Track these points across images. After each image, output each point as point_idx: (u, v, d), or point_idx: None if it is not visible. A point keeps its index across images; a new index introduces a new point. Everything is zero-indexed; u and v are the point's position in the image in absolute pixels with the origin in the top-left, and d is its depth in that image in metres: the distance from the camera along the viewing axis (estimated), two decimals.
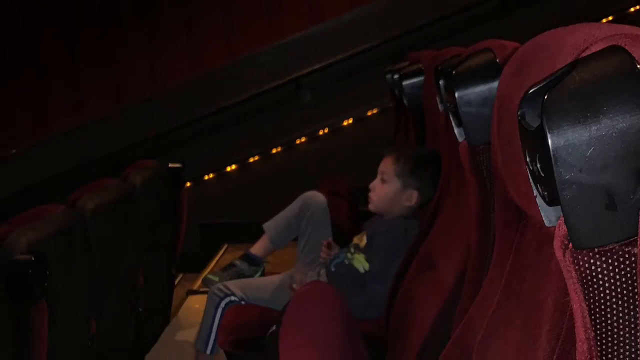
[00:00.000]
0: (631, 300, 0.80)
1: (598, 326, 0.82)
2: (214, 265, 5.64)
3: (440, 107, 2.15)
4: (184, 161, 4.25)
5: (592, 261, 0.81)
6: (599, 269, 0.81)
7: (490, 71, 1.45)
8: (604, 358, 0.82)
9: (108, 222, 3.08)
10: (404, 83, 3.41)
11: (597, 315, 0.82)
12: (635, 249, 0.79)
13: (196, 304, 4.67)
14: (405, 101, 3.53)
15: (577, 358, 0.86)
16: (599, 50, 0.83)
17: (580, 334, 0.85)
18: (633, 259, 0.80)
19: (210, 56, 7.69)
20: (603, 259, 0.81)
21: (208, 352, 3.41)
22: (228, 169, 7.36)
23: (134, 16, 7.85)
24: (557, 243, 0.85)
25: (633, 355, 0.81)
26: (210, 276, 3.86)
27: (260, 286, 3.55)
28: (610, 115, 0.78)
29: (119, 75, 7.92)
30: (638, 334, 0.81)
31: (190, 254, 5.50)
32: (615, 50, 0.81)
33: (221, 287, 3.42)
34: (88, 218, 2.89)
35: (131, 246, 3.44)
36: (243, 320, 2.95)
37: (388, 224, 3.10)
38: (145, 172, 3.72)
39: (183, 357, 3.74)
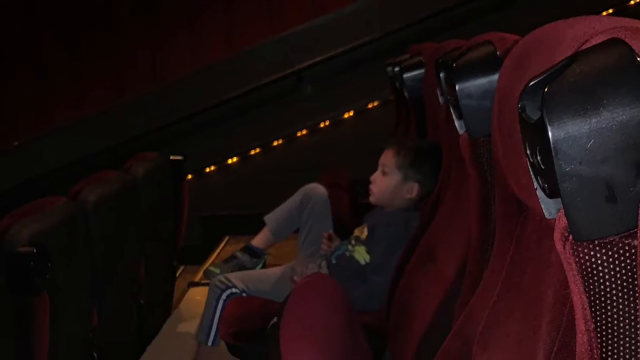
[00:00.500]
0: (631, 292, 0.80)
1: (598, 318, 0.82)
2: (215, 257, 5.64)
3: (440, 99, 2.15)
4: (185, 153, 4.26)
5: (592, 253, 0.82)
6: (599, 261, 0.81)
7: (490, 64, 1.45)
8: (604, 350, 0.82)
9: (110, 214, 3.08)
10: (405, 76, 3.41)
11: (597, 307, 0.82)
12: (635, 241, 0.79)
13: (197, 295, 4.67)
14: (406, 94, 3.53)
15: (577, 350, 0.86)
16: (599, 43, 0.83)
17: (580, 325, 0.85)
18: (633, 251, 0.80)
19: (211, 49, 7.68)
20: (603, 251, 0.81)
21: (209, 343, 3.41)
22: (229, 161, 7.36)
23: (136, 10, 7.84)
24: (557, 235, 0.85)
25: (633, 347, 0.81)
26: (211, 268, 3.86)
27: (262, 278, 3.55)
28: (611, 107, 0.78)
29: (121, 68, 7.92)
30: (638, 326, 0.81)
31: (191, 246, 5.50)
32: (615, 42, 0.81)
33: (222, 279, 3.43)
34: (90, 210, 2.90)
35: (133, 238, 3.45)
36: (244, 312, 2.95)
37: (389, 216, 3.10)
38: (146, 164, 3.73)
39: (184, 348, 3.74)
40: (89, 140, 7.38)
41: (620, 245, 0.80)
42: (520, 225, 1.22)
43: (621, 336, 0.82)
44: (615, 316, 0.81)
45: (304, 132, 7.26)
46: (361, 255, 3.11)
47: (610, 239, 0.80)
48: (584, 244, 0.82)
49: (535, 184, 0.92)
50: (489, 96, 1.44)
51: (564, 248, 0.84)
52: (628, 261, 0.80)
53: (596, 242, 0.81)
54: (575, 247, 0.82)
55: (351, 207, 4.34)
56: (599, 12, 6.34)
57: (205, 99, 7.26)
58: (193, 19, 7.75)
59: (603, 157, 0.78)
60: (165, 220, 4.09)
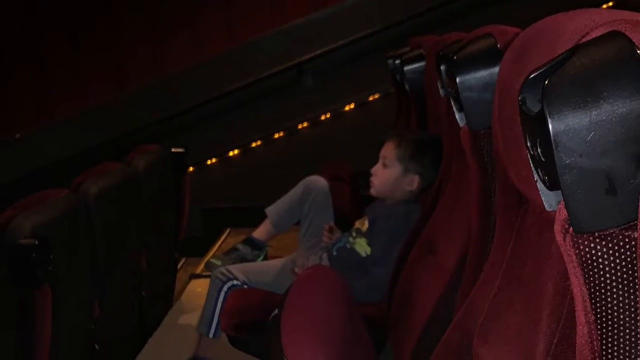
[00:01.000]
0: (631, 284, 0.81)
1: (598, 310, 0.83)
2: (217, 250, 5.65)
3: (441, 92, 2.15)
4: (187, 146, 4.26)
5: (592, 245, 0.82)
6: (599, 253, 0.82)
7: (491, 56, 1.46)
8: (604, 341, 0.83)
9: (111, 206, 3.08)
10: (406, 68, 3.42)
11: (598, 299, 0.82)
12: (635, 233, 0.80)
13: (199, 287, 4.67)
14: (406, 86, 3.53)
15: (577, 341, 0.86)
16: (599, 36, 0.83)
17: (580, 317, 0.85)
18: (633, 243, 0.80)
19: (212, 42, 7.67)
20: (603, 243, 0.81)
21: (211, 335, 3.42)
22: (230, 153, 7.36)
23: (137, 2, 7.83)
24: (557, 227, 0.85)
25: (633, 339, 0.81)
26: (213, 260, 3.86)
27: (263, 270, 3.56)
28: (611, 100, 0.78)
29: (122, 61, 7.91)
30: (638, 318, 0.81)
31: (192, 238, 5.50)
32: (615, 35, 0.81)
33: (224, 271, 3.43)
34: (91, 202, 2.90)
35: (134, 230, 3.45)
36: (245, 304, 2.96)
37: (389, 209, 3.10)
38: (148, 156, 3.73)
39: (186, 340, 3.74)
40: (90, 132, 7.38)
41: (621, 237, 0.81)
42: (521, 217, 1.22)
43: (621, 328, 0.82)
44: (615, 308, 0.82)
45: (305, 124, 7.26)
46: (362, 247, 3.11)
47: (611, 231, 0.81)
48: (584, 236, 0.82)
49: (536, 176, 0.92)
50: (489, 89, 1.44)
51: (564, 240, 0.84)
52: (628, 253, 0.81)
53: (596, 234, 0.81)
54: (575, 239, 0.82)
55: (352, 200, 4.34)
56: (599, 5, 6.35)
57: (207, 91, 7.27)
58: (194, 12, 7.74)
59: (603, 150, 0.79)
60: (167, 212, 4.09)
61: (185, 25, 7.76)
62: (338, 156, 5.53)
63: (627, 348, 0.82)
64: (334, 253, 3.25)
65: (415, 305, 2.31)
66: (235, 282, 3.38)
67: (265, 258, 3.96)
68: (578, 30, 0.87)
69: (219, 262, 3.78)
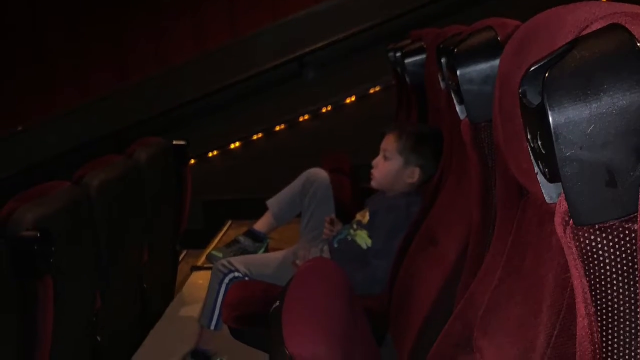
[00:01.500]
0: (631, 276, 0.81)
1: (598, 302, 0.83)
2: (218, 242, 5.65)
3: (442, 85, 2.15)
4: (188, 138, 4.26)
5: (592, 237, 0.82)
6: (600, 245, 0.82)
7: (491, 49, 1.46)
8: (604, 333, 0.83)
9: (113, 199, 3.09)
10: (406, 61, 3.42)
11: (598, 291, 0.83)
12: (636, 225, 0.80)
13: (200, 279, 4.68)
14: (407, 79, 3.53)
15: (577, 333, 0.87)
16: (599, 29, 0.83)
17: (580, 309, 0.85)
18: (633, 235, 0.80)
19: (214, 34, 7.67)
20: (603, 235, 0.81)
21: (212, 327, 3.42)
22: (232, 146, 7.35)
23: None
24: (557, 219, 0.85)
25: (633, 331, 0.82)
26: (214, 252, 3.87)
27: (264, 262, 3.56)
28: (611, 92, 0.78)
29: (124, 54, 7.91)
30: (638, 310, 0.81)
31: (194, 230, 5.50)
32: (615, 28, 0.82)
33: (225, 263, 3.43)
34: (93, 195, 2.90)
35: (135, 222, 3.45)
36: (247, 296, 2.96)
37: (390, 201, 3.11)
38: (149, 149, 3.73)
39: (187, 332, 3.75)
40: (92, 125, 7.38)
41: (621, 229, 0.81)
42: (521, 209, 1.22)
43: (621, 320, 0.82)
44: (615, 300, 0.82)
45: (306, 117, 7.26)
46: (363, 239, 3.12)
47: (611, 223, 0.81)
48: (585, 228, 0.82)
49: (536, 169, 0.92)
50: (489, 81, 1.44)
51: (565, 232, 0.84)
52: (628, 245, 0.81)
53: (596, 226, 0.82)
54: (575, 231, 0.83)
55: (353, 192, 4.34)
56: None
57: (208, 84, 7.26)
58: (196, 4, 7.73)
59: (603, 142, 0.79)
60: (168, 204, 4.10)
61: (187, 18, 7.76)
62: (339, 148, 5.54)
63: (627, 340, 0.82)
64: (335, 245, 3.25)
65: (416, 297, 2.31)
66: (236, 274, 3.38)
67: (267, 250, 3.97)
68: (578, 23, 0.87)
69: (220, 254, 3.79)
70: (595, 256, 0.82)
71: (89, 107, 7.60)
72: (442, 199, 2.43)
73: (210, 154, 7.35)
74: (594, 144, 0.79)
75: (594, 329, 0.84)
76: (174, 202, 4.20)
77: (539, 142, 0.86)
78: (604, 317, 0.83)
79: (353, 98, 7.19)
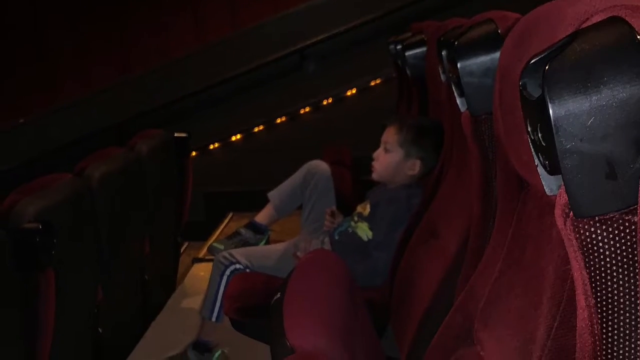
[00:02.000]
0: (631, 268, 0.81)
1: (598, 294, 0.83)
2: (219, 234, 5.65)
3: (442, 77, 2.15)
4: (190, 131, 4.26)
5: (592, 229, 0.82)
6: (600, 237, 0.82)
7: (492, 42, 1.46)
8: (604, 325, 0.83)
9: (114, 191, 3.09)
10: (407, 54, 3.42)
11: (598, 283, 0.83)
12: (636, 217, 0.80)
13: (201, 271, 4.68)
14: (408, 72, 3.53)
15: (577, 325, 0.87)
16: (599, 22, 0.83)
17: (580, 301, 0.85)
18: (633, 227, 0.80)
19: (215, 27, 7.66)
20: (603, 227, 0.82)
21: (213, 319, 3.42)
22: (233, 138, 7.36)
23: None
24: (558, 211, 0.86)
25: (633, 322, 0.82)
26: (215, 244, 3.87)
27: (265, 254, 3.56)
28: (611, 85, 0.78)
29: (126, 47, 7.91)
30: (638, 302, 0.81)
31: (195, 222, 5.50)
32: (615, 21, 0.81)
33: (226, 255, 3.43)
34: (95, 187, 2.91)
35: (137, 215, 3.46)
36: (248, 287, 2.96)
37: (391, 193, 3.11)
38: (151, 141, 3.74)
39: (188, 324, 3.75)
40: (94, 117, 7.39)
41: (621, 221, 0.81)
42: (522, 201, 1.23)
43: (621, 312, 0.82)
44: (615, 292, 0.82)
45: (307, 109, 7.26)
46: (364, 231, 3.12)
47: (611, 215, 0.81)
48: (585, 220, 0.82)
49: (536, 161, 0.92)
50: (490, 74, 1.45)
51: (565, 224, 0.84)
52: (628, 237, 0.81)
53: (597, 218, 0.82)
54: (575, 223, 0.83)
55: (354, 184, 4.34)
56: None
57: (210, 76, 7.26)
58: None
59: (603, 135, 0.79)
60: (170, 196, 4.10)
61: (188, 11, 7.75)
62: (340, 141, 5.54)
63: (627, 331, 0.82)
64: (336, 237, 3.26)
65: (417, 289, 2.32)
66: (237, 266, 3.38)
67: (268, 242, 3.97)
68: (578, 16, 0.87)
69: (221, 246, 3.79)
70: (595, 248, 0.82)
71: (90, 100, 7.60)
72: (442, 192, 2.43)
73: (211, 147, 7.35)
74: (594, 136, 0.79)
75: (594, 320, 0.84)
76: (176, 194, 4.21)
77: (540, 135, 0.86)
78: (604, 309, 0.83)
79: (354, 90, 7.19)
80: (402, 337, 2.31)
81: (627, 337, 0.83)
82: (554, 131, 0.81)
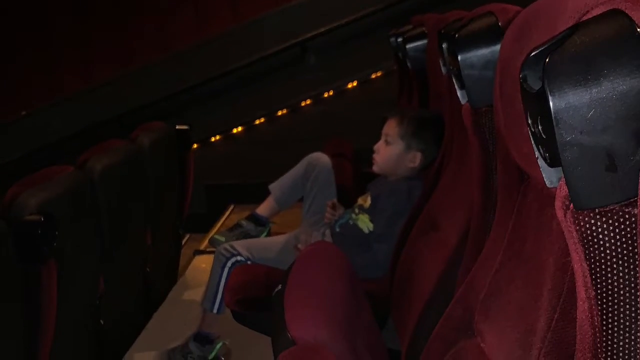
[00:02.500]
0: (631, 260, 0.81)
1: (599, 285, 0.83)
2: (221, 226, 5.66)
3: (443, 70, 2.15)
4: (191, 123, 4.26)
5: (592, 222, 0.82)
6: (600, 230, 0.82)
7: (492, 34, 1.46)
8: (604, 317, 0.83)
9: (116, 183, 3.09)
10: (408, 46, 3.42)
11: (598, 275, 0.83)
12: (636, 209, 0.80)
13: (203, 263, 4.69)
14: (408, 64, 3.53)
15: (577, 317, 0.87)
16: (599, 14, 0.83)
17: (581, 293, 0.86)
18: (633, 219, 0.80)
19: (217, 20, 7.66)
20: (604, 219, 0.82)
21: (215, 311, 3.43)
22: (234, 130, 7.36)
23: None
24: (558, 204, 0.86)
25: (633, 314, 0.82)
26: (216, 236, 3.87)
27: (266, 246, 3.56)
28: (611, 78, 0.78)
29: (128, 39, 7.91)
30: (638, 293, 0.82)
31: (197, 214, 5.51)
32: (615, 13, 0.81)
33: (227, 247, 3.43)
34: (96, 179, 2.91)
35: (139, 207, 3.46)
36: (249, 279, 2.97)
37: (392, 185, 3.11)
38: (153, 133, 3.74)
39: (190, 316, 3.76)
40: (96, 109, 7.39)
41: (621, 213, 0.81)
42: (522, 193, 1.23)
43: (621, 303, 0.82)
44: (615, 284, 0.82)
45: (308, 102, 7.26)
46: (364, 223, 3.12)
47: (611, 207, 0.81)
48: (585, 212, 0.82)
49: (537, 153, 0.92)
50: (490, 66, 1.45)
51: (565, 216, 0.84)
52: (628, 229, 0.81)
53: (597, 210, 0.82)
54: (576, 215, 0.83)
55: (355, 176, 4.34)
56: None
57: (211, 69, 7.26)
58: None
59: (603, 127, 0.79)
60: (171, 189, 4.10)
61: (190, 4, 7.74)
62: (341, 133, 5.53)
63: (627, 323, 0.83)
64: (337, 229, 3.26)
65: (418, 281, 2.32)
66: (238, 258, 3.38)
67: (269, 234, 3.97)
68: (578, 9, 0.87)
69: (222, 238, 3.79)
70: (595, 240, 0.83)
71: (92, 92, 7.60)
72: (443, 184, 2.43)
73: (213, 139, 7.35)
74: (595, 128, 0.79)
75: (594, 312, 0.84)
76: (177, 187, 4.21)
77: (540, 127, 0.86)
78: (604, 300, 0.83)
79: (355, 83, 7.19)
80: (403, 328, 2.32)
81: (627, 329, 0.83)
82: (554, 123, 0.81)
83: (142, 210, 3.52)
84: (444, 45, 1.91)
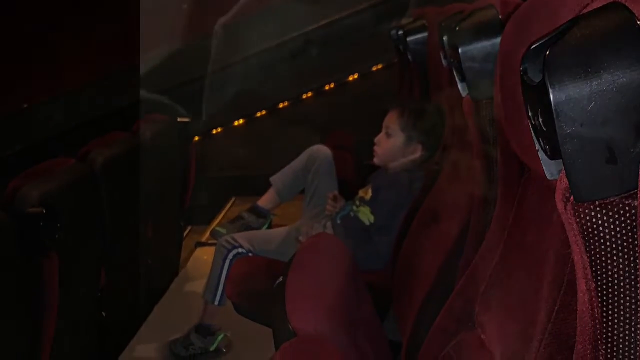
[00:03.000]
0: (631, 252, 0.81)
1: (599, 277, 0.83)
2: (222, 218, 5.67)
3: (444, 62, 2.15)
4: (193, 115, 4.26)
5: (592, 214, 0.82)
6: (600, 222, 0.82)
7: (493, 27, 1.46)
8: (604, 308, 0.84)
9: (118, 176, 3.10)
10: (409, 39, 3.41)
11: (598, 267, 0.83)
12: (635, 201, 0.80)
13: (204, 255, 4.70)
14: (409, 57, 3.53)
15: (578, 308, 0.87)
16: (599, 7, 0.83)
17: (581, 285, 0.86)
18: (633, 211, 0.80)
19: (218, 12, 7.64)
20: (604, 211, 0.82)
21: (216, 302, 3.43)
22: (236, 123, 7.35)
23: None
24: (558, 196, 0.86)
25: (633, 306, 0.82)
26: (218, 228, 3.87)
27: (267, 238, 3.57)
28: (611, 70, 0.78)
29: (129, 32, 7.90)
30: (638, 285, 0.82)
31: (198, 206, 5.51)
32: (615, 6, 0.81)
33: (229, 239, 3.44)
34: (98, 171, 2.91)
35: (140, 199, 3.46)
36: (250, 271, 2.97)
37: (393, 177, 3.12)
38: (154, 126, 3.74)
39: (191, 307, 3.77)
40: (97, 102, 7.38)
41: (621, 205, 0.81)
42: (522, 186, 1.23)
43: (621, 295, 0.83)
44: (615, 276, 0.82)
45: (309, 94, 7.25)
46: (365, 215, 3.13)
47: (611, 199, 0.81)
48: (585, 204, 0.82)
49: (537, 146, 0.92)
50: (491, 59, 1.45)
51: (565, 209, 0.85)
52: (628, 221, 0.81)
53: (597, 202, 0.82)
54: (576, 207, 0.83)
55: (355, 168, 4.35)
56: None
57: (213, 61, 7.25)
58: None
59: (604, 119, 0.79)
60: (173, 181, 4.11)
61: None
62: (342, 126, 5.54)
63: (627, 315, 0.83)
64: (338, 221, 3.26)
65: (418, 273, 2.32)
66: (240, 249, 3.39)
67: (270, 226, 3.97)
68: (579, 1, 0.87)
69: (224, 230, 3.79)
70: (595, 232, 0.83)
71: (94, 85, 7.59)
72: (444, 176, 2.43)
73: (214, 131, 7.34)
74: (595, 121, 0.79)
75: (595, 304, 0.84)
76: (179, 179, 4.21)
77: (540, 119, 0.86)
78: (604, 292, 0.83)
79: (356, 76, 7.18)
80: (404, 320, 2.32)
81: (627, 321, 0.83)
82: (555, 116, 0.81)
83: (143, 203, 3.52)
84: (445, 38, 1.91)
